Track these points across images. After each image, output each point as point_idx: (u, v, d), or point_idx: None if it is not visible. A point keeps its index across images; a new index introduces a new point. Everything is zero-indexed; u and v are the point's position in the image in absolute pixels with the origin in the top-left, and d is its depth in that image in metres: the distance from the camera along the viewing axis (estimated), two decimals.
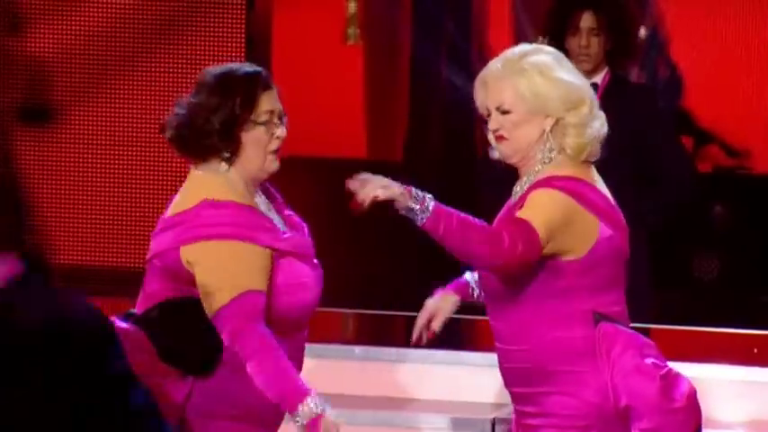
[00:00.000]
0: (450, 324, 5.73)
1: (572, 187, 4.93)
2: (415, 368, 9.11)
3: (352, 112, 12.76)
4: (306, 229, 5.38)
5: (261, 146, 5.07)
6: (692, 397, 5.13)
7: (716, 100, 12.65)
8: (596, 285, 4.95)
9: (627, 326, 5.11)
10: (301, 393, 4.89)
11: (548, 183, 4.86)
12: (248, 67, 5.28)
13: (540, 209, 4.76)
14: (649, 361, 5.05)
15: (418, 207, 4.64)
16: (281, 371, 5.02)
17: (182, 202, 5.13)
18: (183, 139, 5.12)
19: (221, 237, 5.02)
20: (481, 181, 10.47)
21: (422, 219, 4.61)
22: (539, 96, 5.01)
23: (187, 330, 5.26)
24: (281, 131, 5.11)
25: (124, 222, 11.03)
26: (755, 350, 9.30)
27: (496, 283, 5.00)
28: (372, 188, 4.70)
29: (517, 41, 9.07)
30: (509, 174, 5.20)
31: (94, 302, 3.87)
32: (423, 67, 12.38)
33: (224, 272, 5.00)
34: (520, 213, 4.73)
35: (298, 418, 4.93)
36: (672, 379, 5.14)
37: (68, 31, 11.49)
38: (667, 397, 5.11)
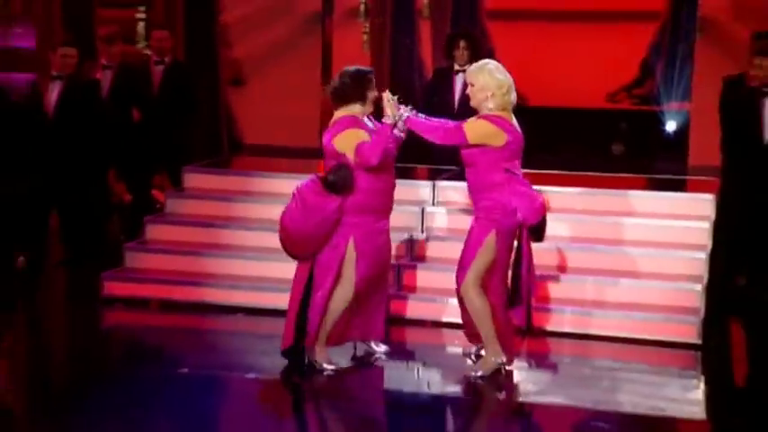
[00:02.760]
0: None
1: (492, 119, 8.19)
2: None
3: None
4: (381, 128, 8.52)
5: (366, 102, 8.48)
6: (544, 202, 8.62)
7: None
8: (506, 158, 8.21)
9: (519, 175, 8.41)
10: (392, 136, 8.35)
11: (483, 116, 8.21)
12: (364, 68, 8.80)
13: (471, 124, 8.19)
14: (525, 186, 8.49)
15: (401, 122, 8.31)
16: (380, 143, 8.25)
17: (333, 119, 8.53)
18: (336, 94, 8.57)
19: (347, 128, 8.36)
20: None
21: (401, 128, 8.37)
22: (486, 83, 8.24)
23: (335, 179, 8.22)
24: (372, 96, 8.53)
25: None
26: None
27: (467, 157, 8.40)
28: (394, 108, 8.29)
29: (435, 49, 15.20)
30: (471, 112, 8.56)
31: None
32: None
33: (353, 138, 8.20)
34: (464, 124, 8.27)
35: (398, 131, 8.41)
36: (534, 194, 8.47)
37: None
38: (531, 199, 8.37)
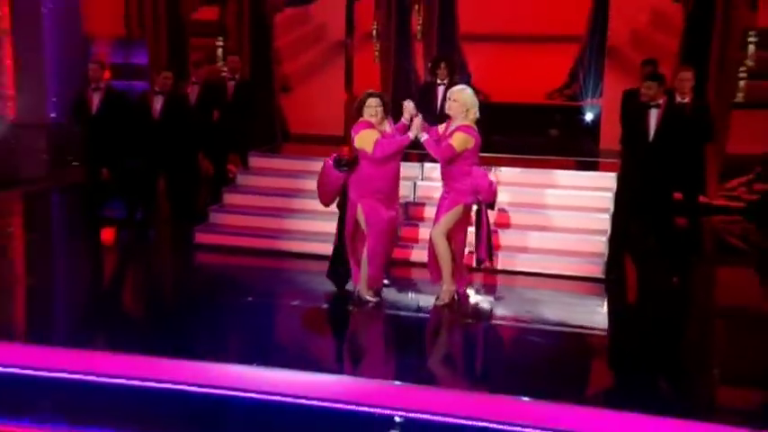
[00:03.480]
0: None
1: (465, 129, 8.12)
2: None
3: None
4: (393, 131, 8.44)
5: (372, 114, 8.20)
6: (496, 185, 8.70)
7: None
8: (473, 155, 8.21)
9: (477, 164, 8.40)
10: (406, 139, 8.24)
11: (460, 128, 8.09)
12: (372, 91, 8.51)
13: (455, 140, 8.02)
14: (484, 173, 8.46)
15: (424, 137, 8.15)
16: (394, 146, 8.17)
17: (355, 124, 8.27)
18: (356, 110, 8.33)
19: (364, 129, 8.19)
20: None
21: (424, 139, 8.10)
22: (465, 101, 8.21)
23: (347, 161, 8.30)
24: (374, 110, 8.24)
25: None
26: None
27: (447, 158, 8.18)
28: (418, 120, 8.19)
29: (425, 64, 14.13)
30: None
31: None
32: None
33: (371, 136, 8.07)
34: (450, 140, 8.08)
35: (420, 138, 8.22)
36: (490, 179, 8.47)
37: None
38: (489, 183, 8.43)
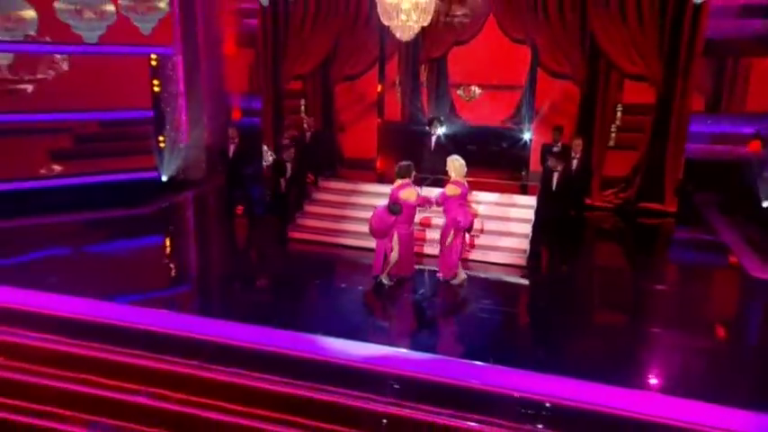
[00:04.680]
0: None
1: (456, 183, 8.22)
2: None
3: None
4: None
5: (411, 177, 8.43)
6: (474, 216, 8.66)
7: None
8: (462, 199, 8.31)
9: (465, 202, 8.42)
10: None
11: (452, 182, 8.19)
12: (407, 163, 8.36)
13: (449, 191, 8.16)
14: (467, 207, 8.44)
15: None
16: (426, 201, 8.36)
17: (398, 184, 8.38)
18: (399, 173, 8.42)
19: (407, 187, 8.38)
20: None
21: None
22: (457, 169, 8.30)
23: (394, 209, 8.17)
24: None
25: None
26: None
27: (443, 200, 8.38)
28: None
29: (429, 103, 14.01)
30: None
31: None
32: None
33: (413, 193, 8.21)
34: (445, 189, 8.24)
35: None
36: (471, 211, 8.58)
37: None
38: (471, 215, 8.38)
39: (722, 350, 7.56)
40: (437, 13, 10.91)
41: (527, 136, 11.81)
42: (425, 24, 9.81)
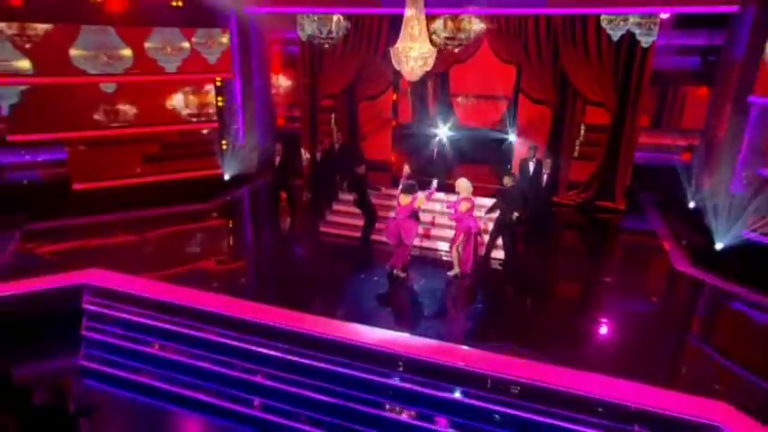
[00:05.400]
0: None
1: (466, 199, 7.97)
2: None
3: None
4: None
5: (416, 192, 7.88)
6: (478, 224, 8.22)
7: None
8: (471, 211, 7.93)
9: (473, 212, 7.95)
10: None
11: (462, 198, 7.87)
12: (412, 183, 7.82)
13: (461, 205, 7.78)
14: (476, 219, 8.05)
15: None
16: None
17: (409, 200, 8.03)
18: (407, 190, 7.89)
19: (420, 195, 7.99)
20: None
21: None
22: (464, 187, 7.97)
23: (416, 214, 7.97)
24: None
25: None
26: None
27: (457, 213, 8.09)
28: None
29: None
30: None
31: None
32: None
33: (423, 199, 7.87)
34: (459, 206, 7.73)
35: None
36: (478, 223, 8.11)
37: None
38: (477, 222, 8.01)
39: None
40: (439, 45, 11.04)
41: (511, 137, 11.92)
42: (428, 69, 9.71)
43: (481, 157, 12.15)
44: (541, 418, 5.88)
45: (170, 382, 7.15)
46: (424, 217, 9.56)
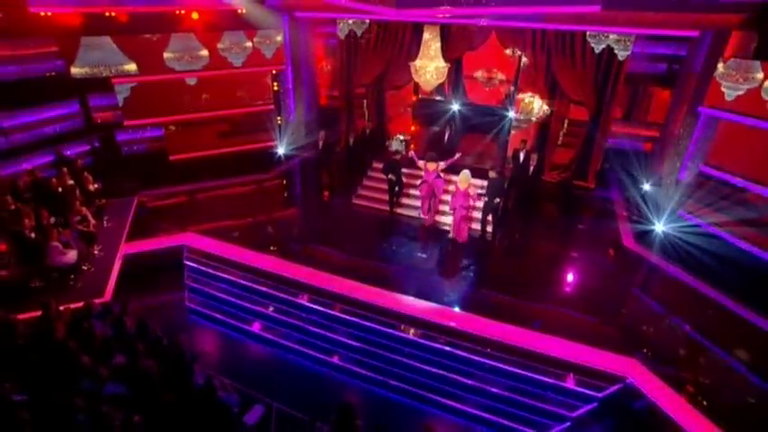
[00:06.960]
0: None
1: (467, 190, 7.80)
2: None
3: None
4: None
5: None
6: (476, 199, 8.27)
7: None
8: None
9: (475, 194, 7.86)
10: None
11: (466, 190, 7.65)
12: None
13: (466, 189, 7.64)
14: (476, 195, 7.89)
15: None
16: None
17: (436, 165, 8.35)
18: (431, 159, 8.02)
19: (445, 162, 8.46)
20: None
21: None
22: (465, 178, 7.64)
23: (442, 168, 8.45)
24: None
25: None
26: None
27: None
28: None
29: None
30: None
31: None
32: None
33: (438, 164, 8.10)
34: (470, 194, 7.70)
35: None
36: (477, 198, 7.94)
37: None
38: (476, 198, 7.83)
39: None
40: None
41: (511, 114, 11.98)
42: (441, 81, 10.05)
43: (484, 128, 12.47)
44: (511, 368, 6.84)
45: (248, 324, 8.14)
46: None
